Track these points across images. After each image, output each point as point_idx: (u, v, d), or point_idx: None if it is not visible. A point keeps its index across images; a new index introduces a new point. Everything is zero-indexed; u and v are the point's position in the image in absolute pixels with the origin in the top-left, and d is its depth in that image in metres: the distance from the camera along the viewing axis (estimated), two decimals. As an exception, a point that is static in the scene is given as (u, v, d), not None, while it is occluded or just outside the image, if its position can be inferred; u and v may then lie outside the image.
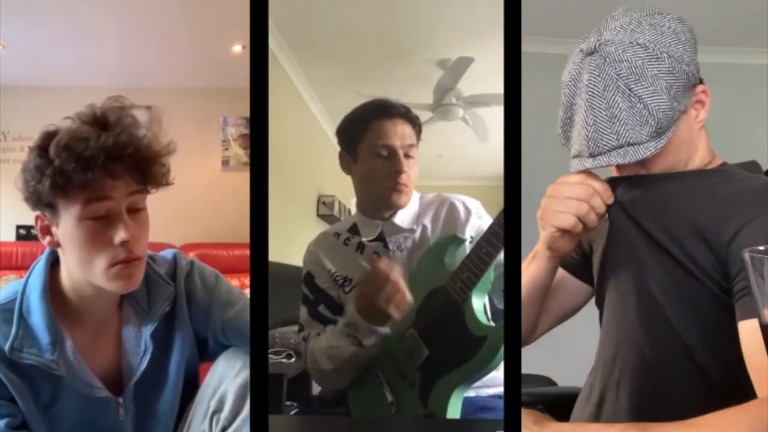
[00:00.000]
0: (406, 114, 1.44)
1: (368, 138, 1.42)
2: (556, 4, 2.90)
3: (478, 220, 1.44)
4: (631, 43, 0.92)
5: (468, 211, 1.45)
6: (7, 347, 0.96)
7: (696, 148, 1.01)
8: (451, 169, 6.26)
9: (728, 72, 3.29)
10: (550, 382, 1.84)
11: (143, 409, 1.05)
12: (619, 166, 1.00)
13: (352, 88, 4.01)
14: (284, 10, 3.14)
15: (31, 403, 0.98)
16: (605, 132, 0.93)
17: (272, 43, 3.51)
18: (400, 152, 1.40)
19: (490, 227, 1.27)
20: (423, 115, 4.13)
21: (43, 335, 0.97)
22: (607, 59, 0.93)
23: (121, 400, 1.03)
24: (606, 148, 0.93)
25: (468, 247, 1.38)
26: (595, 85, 0.93)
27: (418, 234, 1.44)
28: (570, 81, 0.97)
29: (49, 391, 0.99)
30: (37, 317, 0.97)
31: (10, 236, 4.24)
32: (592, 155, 0.94)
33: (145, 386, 1.04)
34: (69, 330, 1.00)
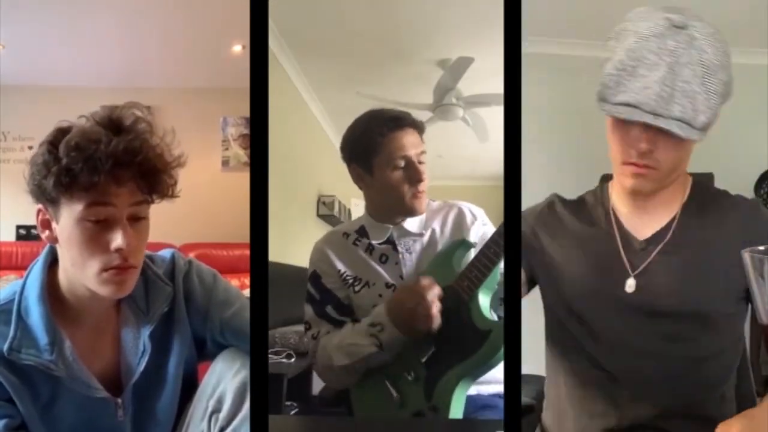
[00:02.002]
0: (413, 122, 1.47)
1: (384, 152, 1.44)
2: (555, 4, 2.89)
3: (483, 226, 1.49)
4: (711, 43, 0.99)
5: (474, 217, 1.50)
6: (5, 348, 0.95)
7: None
8: (451, 169, 6.26)
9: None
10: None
11: (142, 409, 1.05)
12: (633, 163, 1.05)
13: (352, 88, 4.01)
14: (284, 10, 3.14)
15: (30, 404, 0.98)
16: (677, 100, 0.97)
17: (272, 43, 3.51)
18: (416, 161, 1.44)
19: (499, 228, 1.32)
20: (423, 115, 4.14)
21: (42, 336, 0.97)
22: (694, 43, 0.98)
23: (119, 400, 1.03)
24: (670, 114, 0.97)
25: (474, 251, 1.41)
26: (680, 56, 0.98)
27: (427, 237, 1.48)
28: (650, 35, 0.99)
29: (47, 392, 0.99)
30: (36, 318, 0.97)
31: (10, 236, 4.25)
32: (654, 113, 0.98)
33: (143, 387, 1.04)
34: (67, 331, 0.99)
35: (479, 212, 1.52)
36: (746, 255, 0.69)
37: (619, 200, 1.16)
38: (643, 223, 1.13)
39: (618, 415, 1.09)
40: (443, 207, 1.53)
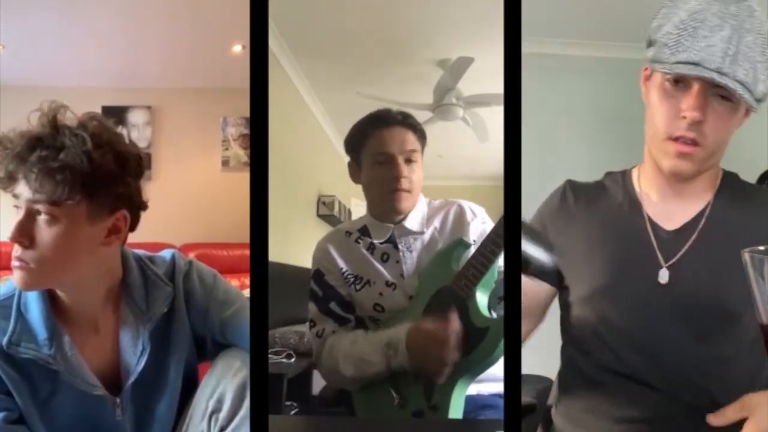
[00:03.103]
0: (404, 121, 1.49)
1: (369, 147, 1.48)
2: (556, 4, 2.89)
3: (483, 225, 1.49)
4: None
5: (474, 214, 1.51)
6: (4, 342, 0.96)
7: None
8: (451, 169, 6.26)
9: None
10: (550, 382, 1.83)
11: (142, 409, 1.05)
12: (679, 139, 1.02)
13: (352, 88, 4.01)
14: (284, 10, 3.14)
15: (29, 399, 0.98)
16: (740, 62, 0.95)
17: (272, 43, 3.51)
18: (399, 158, 1.45)
19: (495, 227, 1.33)
20: (423, 115, 4.14)
21: (41, 330, 0.97)
22: (754, 14, 0.97)
23: (118, 400, 1.03)
24: (735, 75, 0.95)
25: (473, 250, 1.41)
26: (743, 21, 0.96)
27: (428, 235, 1.49)
28: (712, 0, 0.97)
29: (46, 387, 0.99)
30: (35, 313, 0.98)
31: (10, 236, 4.24)
32: (719, 71, 0.95)
33: (143, 386, 1.04)
34: (66, 327, 1.00)
35: (479, 210, 1.53)
36: (746, 255, 0.69)
37: (649, 185, 1.13)
38: (673, 211, 1.10)
39: (643, 418, 1.05)
40: (444, 205, 1.54)
